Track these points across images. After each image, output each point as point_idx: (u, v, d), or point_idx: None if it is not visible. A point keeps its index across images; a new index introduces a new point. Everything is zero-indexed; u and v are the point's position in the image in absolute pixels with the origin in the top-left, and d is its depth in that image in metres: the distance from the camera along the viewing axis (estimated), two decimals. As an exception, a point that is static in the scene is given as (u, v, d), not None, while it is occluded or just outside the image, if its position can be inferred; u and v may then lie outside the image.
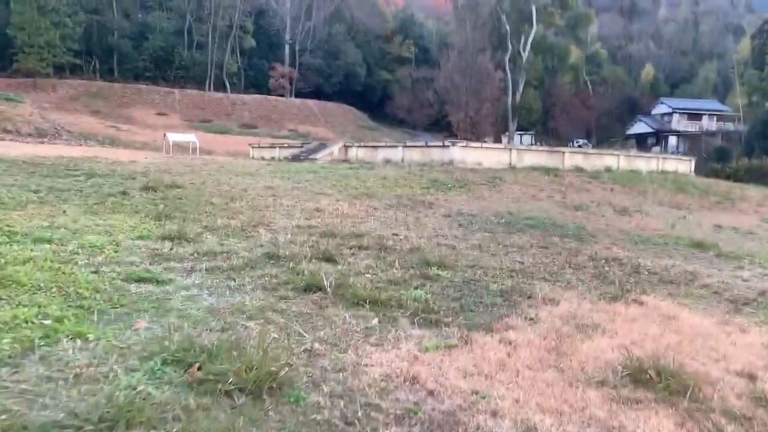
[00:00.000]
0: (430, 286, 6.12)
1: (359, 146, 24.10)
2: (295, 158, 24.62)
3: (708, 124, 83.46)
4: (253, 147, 30.55)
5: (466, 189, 15.52)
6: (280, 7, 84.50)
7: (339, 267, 6.63)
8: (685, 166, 26.59)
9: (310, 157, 23.58)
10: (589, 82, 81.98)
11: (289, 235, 8.33)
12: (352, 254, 7.47)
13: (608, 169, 22.15)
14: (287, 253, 6.96)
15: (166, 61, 76.87)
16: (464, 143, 19.44)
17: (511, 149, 20.08)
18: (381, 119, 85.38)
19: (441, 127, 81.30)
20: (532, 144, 73.92)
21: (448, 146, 18.99)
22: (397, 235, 9.24)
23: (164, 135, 31.44)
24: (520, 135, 72.80)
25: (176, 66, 77.94)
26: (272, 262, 6.58)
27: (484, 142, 65.33)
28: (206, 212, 10.00)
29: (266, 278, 5.85)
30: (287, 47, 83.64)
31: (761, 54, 70.37)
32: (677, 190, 19.94)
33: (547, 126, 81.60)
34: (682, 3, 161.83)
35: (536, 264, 7.97)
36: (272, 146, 29.41)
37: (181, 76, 78.36)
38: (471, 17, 64.99)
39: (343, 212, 11.19)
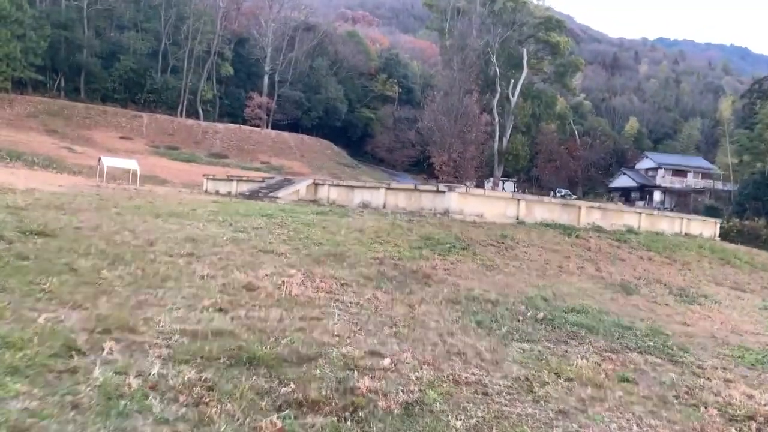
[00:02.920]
0: None
1: (332, 185, 19.89)
2: (252, 195, 20.36)
3: (693, 181, 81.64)
4: (207, 178, 26.16)
5: (471, 252, 11.41)
6: (262, 37, 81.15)
7: None
8: (710, 229, 23.02)
9: (270, 194, 19.36)
10: (576, 133, 79.70)
11: (157, 366, 4.10)
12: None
13: (631, 230, 18.35)
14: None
15: (136, 83, 72.45)
16: (463, 189, 15.41)
17: (519, 200, 16.14)
18: (360, 157, 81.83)
19: (422, 168, 77.98)
20: (514, 191, 70.90)
21: (444, 192, 14.99)
22: (378, 356, 5.06)
23: (98, 159, 26.89)
24: (503, 181, 69.82)
25: (147, 89, 73.53)
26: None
27: (470, 186, 61.91)
28: (47, 290, 5.72)
29: None
30: (266, 77, 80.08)
31: (750, 113, 68.81)
32: (721, 262, 16.20)
33: (529, 173, 78.82)
34: (663, 61, 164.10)
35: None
36: (229, 179, 25.06)
37: (152, 100, 73.94)
38: (458, 58, 62.11)
39: (291, 293, 7.00)
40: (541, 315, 7.58)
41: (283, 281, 7.50)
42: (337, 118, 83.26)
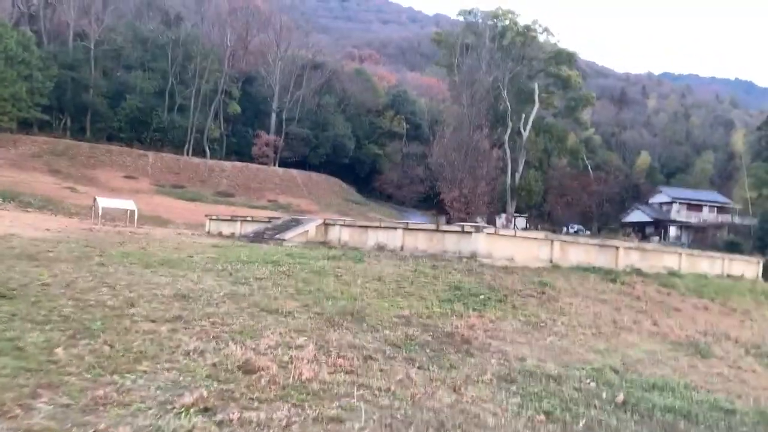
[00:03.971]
0: None
1: (344, 225, 18.32)
2: (257, 237, 18.83)
3: (708, 215, 79.82)
4: (210, 219, 24.65)
5: (510, 305, 9.80)
6: (269, 75, 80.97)
7: None
8: (752, 269, 21.28)
9: (276, 236, 17.83)
10: (589, 167, 78.27)
11: None
12: None
13: (673, 273, 16.70)
14: None
15: (143, 122, 71.95)
16: (492, 230, 13.81)
17: (552, 240, 14.54)
18: (369, 194, 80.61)
19: (431, 204, 76.59)
20: (526, 228, 69.17)
21: (470, 232, 13.41)
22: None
23: (94, 199, 25.46)
24: (514, 218, 68.33)
25: (154, 128, 73.02)
26: None
27: (481, 221, 60.35)
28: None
29: None
30: (274, 115, 79.59)
31: (767, 146, 67.44)
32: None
33: (541, 209, 77.22)
34: (671, 95, 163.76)
35: None
36: (233, 219, 23.49)
37: (158, 138, 73.37)
38: (467, 93, 61.28)
39: (301, 376, 5.39)
40: (620, 397, 5.91)
41: (291, 357, 5.89)
42: (344, 154, 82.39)
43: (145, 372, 5.02)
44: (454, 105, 66.34)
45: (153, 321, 6.78)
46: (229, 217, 24.15)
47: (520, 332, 8.28)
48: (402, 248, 15.32)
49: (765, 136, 69.30)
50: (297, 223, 19.25)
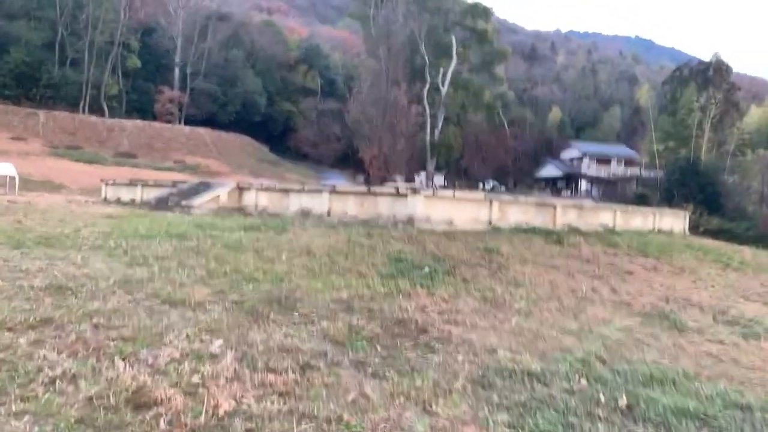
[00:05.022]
0: None
1: (261, 189, 16.38)
2: (161, 203, 16.62)
3: (617, 169, 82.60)
4: (106, 184, 21.92)
5: (460, 279, 8.57)
6: (171, 26, 75.27)
7: None
8: (680, 223, 21.26)
9: (183, 203, 15.73)
10: (506, 123, 78.69)
11: None
12: None
13: (610, 230, 16.16)
14: None
15: (30, 77, 65.30)
16: (429, 191, 12.45)
17: (491, 201, 13.43)
18: (283, 153, 77.70)
19: (350, 163, 74.92)
20: (444, 185, 69.00)
21: (406, 195, 12.05)
22: None
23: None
24: (433, 175, 67.88)
25: (44, 84, 66.48)
26: None
27: (401, 179, 59.30)
28: None
29: None
30: (177, 70, 74.48)
31: (672, 100, 70.04)
32: (720, 265, 14.18)
33: (458, 166, 77.21)
34: (578, 51, 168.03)
35: None
36: (132, 184, 20.89)
37: (50, 96, 66.92)
38: (384, 46, 59.37)
39: (217, 408, 3.85)
40: (623, 400, 4.78)
41: (202, 377, 4.33)
42: (256, 112, 78.73)
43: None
44: (370, 59, 64.33)
45: (9, 329, 5.00)
46: (128, 182, 21.55)
47: (479, 313, 7.05)
48: (329, 214, 13.77)
49: (670, 91, 71.90)
50: (206, 187, 17.17)
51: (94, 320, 5.43)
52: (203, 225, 11.74)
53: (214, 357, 4.78)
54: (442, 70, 59.82)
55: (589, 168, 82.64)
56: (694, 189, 56.87)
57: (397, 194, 12.51)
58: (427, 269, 8.80)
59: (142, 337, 5.07)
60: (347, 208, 13.52)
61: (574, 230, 14.99)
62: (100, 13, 68.00)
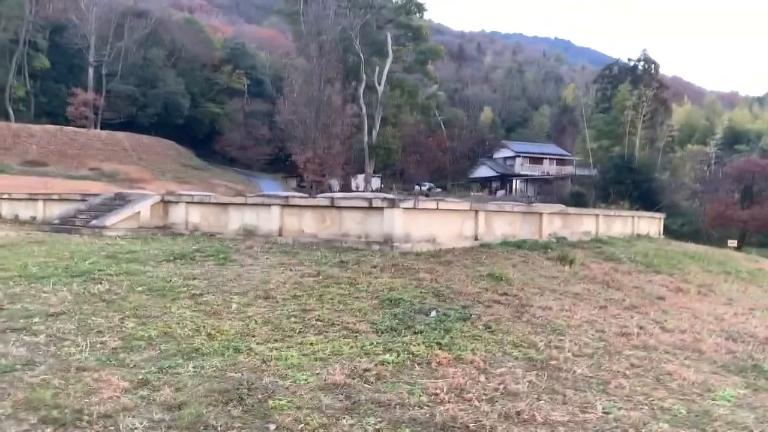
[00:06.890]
0: None
1: (192, 202, 13.39)
2: (65, 223, 13.39)
3: (549, 167, 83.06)
4: (1, 198, 18.23)
5: (482, 326, 6.21)
6: (83, 24, 69.45)
7: None
8: (656, 226, 19.80)
9: (93, 223, 12.61)
10: (442, 124, 77.29)
11: None
12: None
13: (595, 238, 14.33)
14: None
15: None
16: (410, 203, 9.95)
17: (476, 211, 11.19)
18: (209, 157, 73.39)
19: (280, 166, 71.54)
20: (380, 188, 66.74)
21: (381, 208, 9.57)
22: None
23: None
24: (371, 179, 65.52)
25: (-61, 85, 59.92)
26: None
27: (338, 182, 56.60)
28: None
29: None
30: (91, 70, 68.92)
31: (604, 99, 70.69)
32: (735, 278, 12.53)
33: (394, 168, 75.22)
34: (504, 52, 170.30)
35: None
36: (31, 198, 17.33)
37: (-54, 98, 60.35)
38: (315, 43, 56.51)
39: None
40: None
41: None
42: (178, 114, 74.03)
43: None
44: (301, 57, 61.32)
45: None
46: (27, 196, 17.98)
47: (540, 391, 4.70)
48: (281, 233, 11.10)
49: (602, 89, 72.57)
50: (124, 201, 14.02)
51: None
52: (118, 255, 8.89)
53: None
54: (378, 68, 57.61)
55: (522, 167, 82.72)
56: (630, 186, 57.26)
57: (370, 207, 10.01)
58: (434, 314, 6.42)
59: None
60: (304, 225, 10.92)
61: (562, 240, 13.01)
62: (2, 9, 61.98)
